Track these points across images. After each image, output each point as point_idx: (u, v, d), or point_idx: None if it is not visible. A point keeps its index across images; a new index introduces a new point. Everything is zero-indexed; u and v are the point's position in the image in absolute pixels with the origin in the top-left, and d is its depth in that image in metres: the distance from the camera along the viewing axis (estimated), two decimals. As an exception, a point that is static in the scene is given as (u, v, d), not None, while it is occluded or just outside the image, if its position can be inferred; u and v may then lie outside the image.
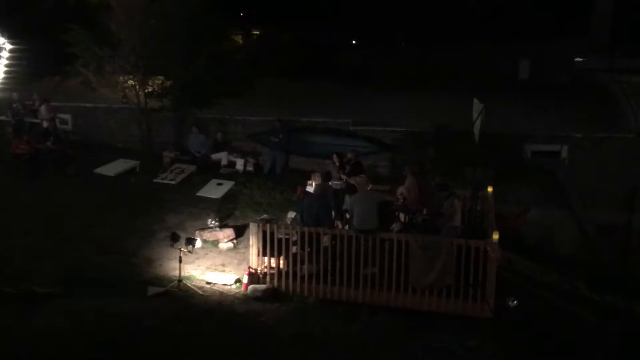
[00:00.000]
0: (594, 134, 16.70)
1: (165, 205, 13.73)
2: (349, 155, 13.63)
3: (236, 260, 11.58)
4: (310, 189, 12.87)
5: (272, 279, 10.55)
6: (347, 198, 11.85)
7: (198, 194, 14.48)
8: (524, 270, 11.43)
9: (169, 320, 9.00)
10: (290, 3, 25.49)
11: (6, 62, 21.10)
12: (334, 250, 10.27)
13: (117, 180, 15.19)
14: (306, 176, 13.95)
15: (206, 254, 11.77)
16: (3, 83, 20.55)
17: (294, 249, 10.55)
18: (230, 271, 11.18)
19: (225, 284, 10.66)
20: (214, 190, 14.76)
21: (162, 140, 17.45)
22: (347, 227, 10.85)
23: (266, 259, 10.63)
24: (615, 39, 26.04)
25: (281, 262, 10.61)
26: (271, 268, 10.63)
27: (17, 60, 21.20)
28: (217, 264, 11.45)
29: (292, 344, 8.67)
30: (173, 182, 15.26)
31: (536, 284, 11.02)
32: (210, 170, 16.02)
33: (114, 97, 16.88)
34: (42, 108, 17.30)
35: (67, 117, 18.52)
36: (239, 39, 27.12)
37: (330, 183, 12.53)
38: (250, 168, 16.51)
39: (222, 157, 16.65)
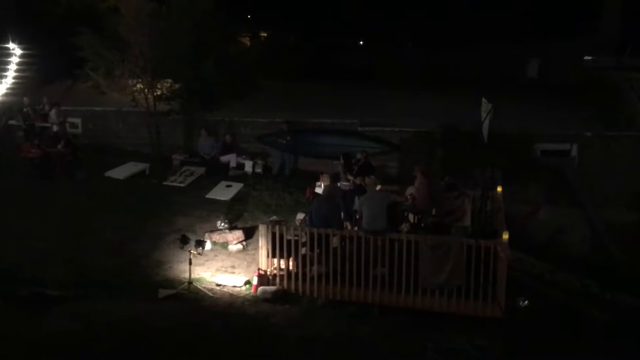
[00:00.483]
0: (603, 132, 16.61)
1: (174, 207, 13.77)
2: (359, 156, 13.55)
3: (246, 262, 11.58)
4: (319, 190, 12.87)
5: (281, 280, 10.56)
6: (356, 199, 11.83)
7: (207, 196, 14.52)
8: (534, 269, 11.39)
9: (180, 323, 9.02)
10: (297, 5, 25.55)
11: (16, 67, 21.23)
12: (343, 251, 10.25)
13: (127, 183, 15.27)
14: (315, 177, 13.96)
15: (216, 256, 11.77)
16: (13, 88, 20.65)
17: (303, 250, 10.56)
18: (240, 273, 11.19)
19: (235, 286, 10.67)
20: (223, 192, 14.79)
21: (172, 143, 17.50)
22: (356, 228, 10.85)
23: (276, 260, 10.63)
24: (624, 38, 25.92)
25: (291, 263, 10.61)
26: (281, 269, 10.63)
27: (27, 65, 21.31)
28: (227, 266, 11.46)
29: (302, 345, 8.67)
30: (182, 185, 15.31)
31: (546, 283, 10.98)
32: (219, 173, 16.05)
33: (124, 100, 17.04)
34: (52, 112, 17.39)
35: (77, 120, 18.62)
36: (246, 41, 27.21)
37: (338, 184, 12.52)
38: (259, 170, 16.53)
39: (231, 159, 16.66)
